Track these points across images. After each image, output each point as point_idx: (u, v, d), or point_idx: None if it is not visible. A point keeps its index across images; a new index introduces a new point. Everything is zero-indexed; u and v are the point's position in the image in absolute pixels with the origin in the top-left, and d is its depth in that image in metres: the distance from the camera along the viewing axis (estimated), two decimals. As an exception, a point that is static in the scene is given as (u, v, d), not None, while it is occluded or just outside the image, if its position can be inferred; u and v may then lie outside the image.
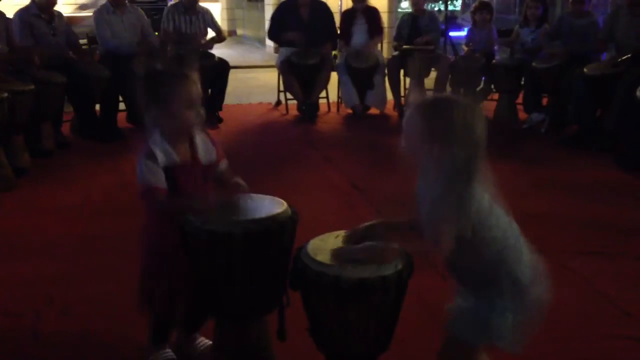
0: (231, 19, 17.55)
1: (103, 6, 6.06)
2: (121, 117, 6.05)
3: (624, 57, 5.35)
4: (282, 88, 7.09)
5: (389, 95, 6.94)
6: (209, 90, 6.03)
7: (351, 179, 4.54)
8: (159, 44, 6.25)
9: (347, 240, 1.86)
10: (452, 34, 7.81)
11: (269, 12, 11.62)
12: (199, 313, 2.23)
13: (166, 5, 8.30)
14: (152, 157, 1.98)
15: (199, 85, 2.03)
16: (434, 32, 6.88)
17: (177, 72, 2.06)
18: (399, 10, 10.62)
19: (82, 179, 4.58)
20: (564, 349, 2.41)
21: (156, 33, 6.48)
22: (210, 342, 2.27)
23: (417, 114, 1.64)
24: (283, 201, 2.06)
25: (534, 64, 6.06)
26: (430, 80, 6.81)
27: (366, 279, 1.73)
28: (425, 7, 7.17)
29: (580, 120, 5.63)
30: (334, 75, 6.92)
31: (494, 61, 6.62)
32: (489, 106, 6.57)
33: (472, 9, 7.09)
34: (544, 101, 6.35)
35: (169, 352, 2.24)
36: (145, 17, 6.31)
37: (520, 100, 6.52)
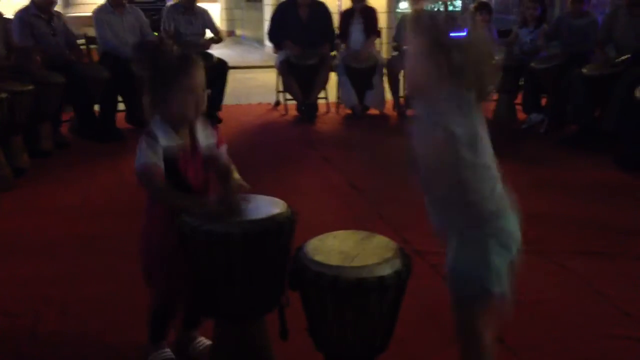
0: (230, 19, 17.54)
1: (102, 6, 6.05)
2: (120, 118, 6.05)
3: (622, 57, 5.36)
4: (281, 88, 7.08)
5: (388, 96, 6.94)
6: (208, 91, 6.03)
7: (350, 179, 4.54)
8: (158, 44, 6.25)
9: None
10: (452, 35, 7.79)
11: (268, 12, 11.62)
12: (198, 311, 2.23)
13: (165, 5, 8.30)
14: (153, 137, 1.99)
15: (203, 71, 2.03)
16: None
17: (181, 56, 2.06)
18: (398, 10, 10.61)
19: (81, 179, 4.58)
20: (564, 349, 2.41)
21: (155, 33, 6.48)
22: (210, 342, 2.27)
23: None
24: (282, 201, 2.06)
25: (533, 64, 6.05)
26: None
27: (365, 279, 1.73)
28: (424, 7, 7.16)
29: (579, 121, 5.63)
30: (333, 76, 6.92)
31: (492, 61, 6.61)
32: (488, 106, 6.57)
33: (471, 9, 7.09)
34: (543, 101, 6.35)
35: (167, 351, 2.24)
36: (145, 18, 6.30)
37: (519, 100, 6.52)
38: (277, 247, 1.97)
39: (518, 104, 6.54)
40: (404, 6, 10.56)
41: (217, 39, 6.64)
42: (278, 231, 1.95)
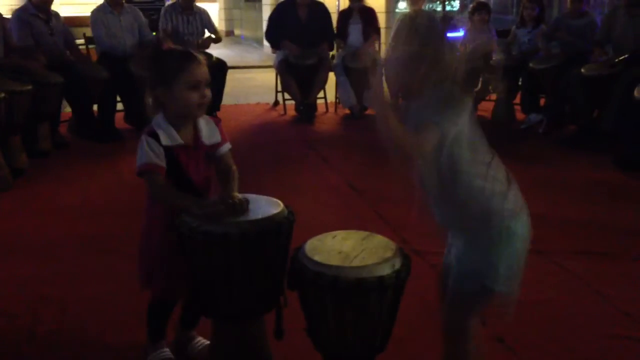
0: (229, 19, 17.56)
1: (100, 6, 6.04)
2: (119, 118, 6.04)
3: (621, 57, 5.36)
4: (279, 88, 7.08)
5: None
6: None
7: (348, 179, 4.53)
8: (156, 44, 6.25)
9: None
10: (449, 34, 7.80)
11: (266, 12, 11.63)
12: (197, 311, 2.23)
13: (163, 5, 8.29)
14: (154, 136, 1.98)
15: (205, 68, 2.02)
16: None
17: (183, 52, 2.06)
18: (397, 10, 10.61)
19: (80, 180, 4.57)
20: (564, 349, 2.40)
21: (154, 33, 6.48)
22: (208, 342, 2.27)
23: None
24: (280, 201, 2.06)
25: (531, 64, 6.05)
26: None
27: (364, 279, 1.73)
28: (423, 7, 7.17)
29: (578, 121, 5.63)
30: (331, 76, 6.92)
31: (491, 61, 6.61)
32: (487, 107, 6.58)
33: (469, 9, 7.08)
34: (542, 101, 6.35)
35: (166, 351, 2.24)
36: (143, 17, 6.30)
37: (518, 100, 6.52)
38: (276, 247, 1.97)
39: (517, 104, 6.54)
40: (402, 6, 10.57)
41: (216, 39, 6.64)
42: (276, 231, 1.95)
